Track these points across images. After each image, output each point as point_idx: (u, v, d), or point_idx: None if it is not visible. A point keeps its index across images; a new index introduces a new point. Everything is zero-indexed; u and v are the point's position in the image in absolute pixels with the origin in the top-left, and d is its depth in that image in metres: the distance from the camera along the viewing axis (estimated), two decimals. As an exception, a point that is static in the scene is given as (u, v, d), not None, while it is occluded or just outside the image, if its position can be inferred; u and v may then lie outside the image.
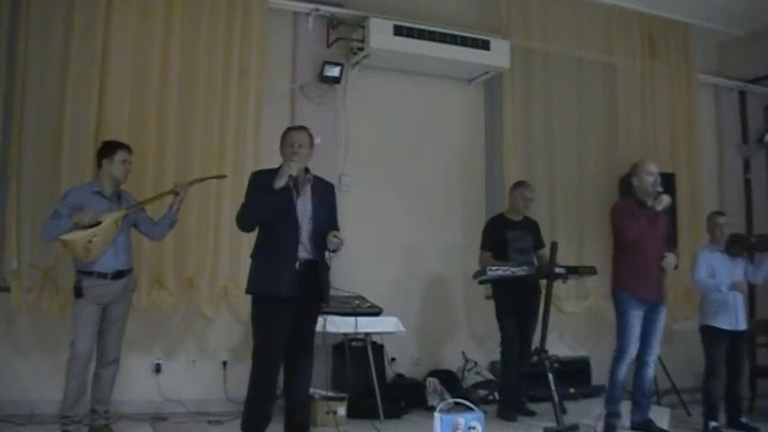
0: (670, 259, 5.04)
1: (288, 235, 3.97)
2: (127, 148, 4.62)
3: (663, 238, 5.11)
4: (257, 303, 4.07)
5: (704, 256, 5.43)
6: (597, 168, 7.05)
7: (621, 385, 5.05)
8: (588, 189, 6.98)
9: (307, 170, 4.14)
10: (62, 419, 4.40)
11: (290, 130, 4.22)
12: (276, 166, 4.05)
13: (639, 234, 4.93)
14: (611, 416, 5.02)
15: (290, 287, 3.90)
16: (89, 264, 4.38)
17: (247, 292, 4.13)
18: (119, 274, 4.51)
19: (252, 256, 4.13)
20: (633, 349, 5.02)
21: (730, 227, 5.57)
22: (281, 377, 4.14)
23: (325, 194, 4.19)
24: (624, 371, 5.02)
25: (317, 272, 4.04)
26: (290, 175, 3.94)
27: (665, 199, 4.98)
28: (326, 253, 4.11)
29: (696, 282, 5.41)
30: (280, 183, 3.91)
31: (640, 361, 5.12)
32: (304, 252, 3.99)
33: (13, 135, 5.05)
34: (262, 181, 4.01)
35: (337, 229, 4.10)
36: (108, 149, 4.57)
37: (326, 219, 4.11)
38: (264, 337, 4.00)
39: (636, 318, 4.99)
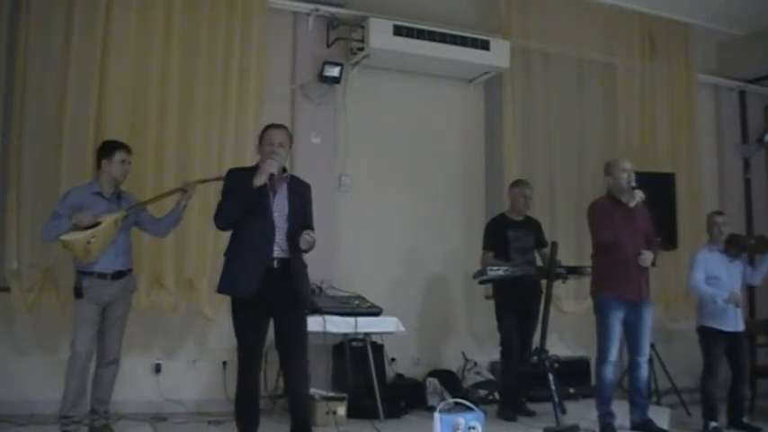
0: (646, 256, 4.98)
1: (263, 234, 3.90)
2: (126, 148, 4.62)
3: (642, 235, 5.06)
4: (232, 303, 4.01)
5: (702, 256, 5.42)
6: (597, 168, 6.98)
7: (610, 385, 5.04)
8: (588, 189, 6.96)
9: (284, 169, 4.09)
10: (62, 419, 4.41)
11: (269, 128, 4.14)
12: (252, 164, 4.02)
13: (615, 233, 4.91)
14: (606, 416, 5.01)
15: (262, 286, 3.83)
16: (89, 264, 4.39)
17: (218, 291, 4.06)
18: (118, 275, 4.51)
19: (225, 254, 4.06)
20: (615, 350, 5.01)
21: (729, 227, 5.56)
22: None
23: (301, 194, 4.12)
24: (610, 371, 5.01)
25: (290, 271, 3.97)
26: (271, 174, 3.89)
27: (638, 194, 4.94)
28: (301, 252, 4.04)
29: (693, 286, 5.38)
30: (259, 181, 3.85)
31: (633, 363, 5.11)
32: (279, 251, 3.94)
33: (13, 135, 5.05)
34: (238, 179, 3.97)
35: (312, 228, 4.02)
36: (107, 150, 4.58)
37: (302, 218, 4.05)
38: (240, 337, 3.96)
39: (616, 319, 4.97)
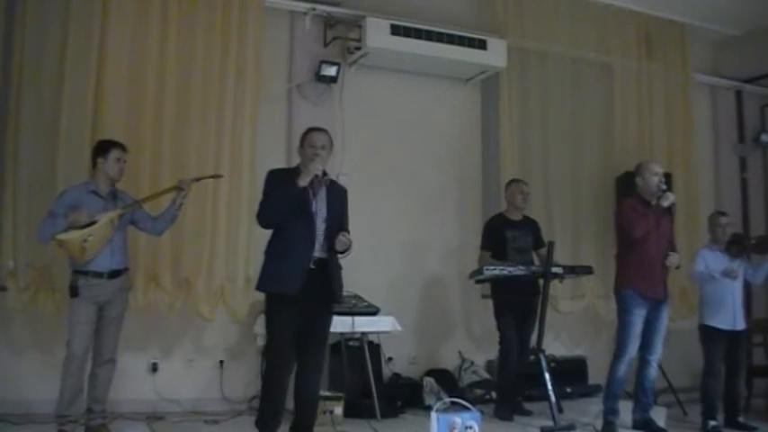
0: (674, 258, 5.05)
1: (303, 234, 4.01)
2: (121, 146, 4.61)
3: (667, 237, 5.12)
4: (268, 301, 4.11)
5: (703, 254, 5.45)
6: (593, 168, 7.05)
7: (621, 382, 5.04)
8: (584, 189, 6.99)
9: (324, 172, 4.15)
10: (58, 419, 4.39)
11: (312, 130, 4.25)
12: (290, 166, 4.13)
13: (647, 229, 4.93)
14: (610, 413, 5.01)
15: (300, 285, 3.93)
16: (85, 263, 4.38)
17: (257, 289, 4.16)
18: (114, 274, 4.49)
19: (265, 253, 4.15)
20: (633, 348, 5.02)
21: (731, 227, 5.58)
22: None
23: (338, 198, 4.22)
24: (623, 369, 5.02)
25: (327, 271, 4.07)
26: (316, 175, 3.99)
27: (671, 196, 4.99)
28: (337, 254, 4.14)
29: (693, 275, 5.45)
30: (304, 181, 3.95)
31: (643, 360, 5.12)
32: (317, 252, 4.03)
33: (9, 135, 5.04)
34: (279, 179, 4.08)
35: (347, 231, 4.15)
36: (102, 148, 4.56)
37: (338, 221, 4.15)
38: (274, 335, 4.07)
39: (638, 316, 4.99)
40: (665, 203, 4.97)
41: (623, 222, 5.07)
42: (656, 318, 5.07)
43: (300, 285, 3.93)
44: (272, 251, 4.10)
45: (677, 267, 5.22)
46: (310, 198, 4.05)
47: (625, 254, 5.12)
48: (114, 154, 4.54)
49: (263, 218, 4.08)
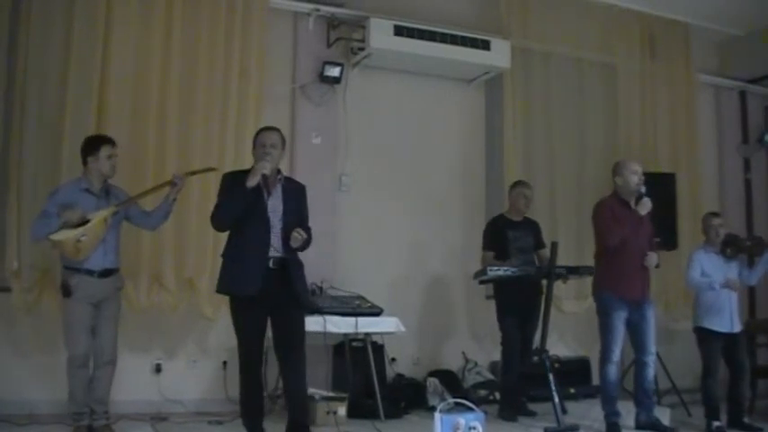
0: (652, 258, 5.02)
1: (258, 234, 4.01)
2: (110, 141, 4.57)
3: (648, 237, 5.09)
4: (231, 302, 4.13)
5: (698, 256, 5.43)
6: (597, 169, 7.02)
7: (614, 385, 5.04)
8: (588, 189, 6.96)
9: (278, 171, 4.17)
10: (73, 416, 4.42)
11: (262, 130, 4.26)
12: (248, 167, 4.11)
13: (621, 237, 4.90)
14: (611, 415, 5.01)
15: (258, 286, 3.94)
16: (79, 262, 4.35)
17: (217, 290, 4.19)
18: (107, 273, 4.47)
19: (222, 255, 4.17)
20: (617, 349, 5.01)
21: (726, 228, 5.56)
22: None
23: (295, 195, 4.23)
24: (613, 371, 5.02)
25: (288, 270, 4.06)
26: (263, 174, 3.98)
27: (648, 204, 4.95)
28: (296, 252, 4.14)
29: (689, 281, 5.42)
30: (252, 182, 3.95)
31: (639, 362, 5.12)
32: (274, 251, 4.03)
33: (13, 136, 5.04)
34: (234, 181, 4.08)
35: (308, 228, 4.14)
36: (91, 146, 4.52)
37: (297, 218, 4.14)
38: (240, 335, 4.09)
39: (618, 319, 4.98)
40: (642, 212, 4.94)
41: (599, 228, 5.07)
42: (641, 318, 5.04)
43: (260, 286, 3.93)
44: (228, 253, 4.12)
45: (657, 266, 5.19)
46: (265, 198, 4.05)
47: (602, 256, 5.11)
48: (105, 151, 4.50)
49: (215, 221, 4.12)
